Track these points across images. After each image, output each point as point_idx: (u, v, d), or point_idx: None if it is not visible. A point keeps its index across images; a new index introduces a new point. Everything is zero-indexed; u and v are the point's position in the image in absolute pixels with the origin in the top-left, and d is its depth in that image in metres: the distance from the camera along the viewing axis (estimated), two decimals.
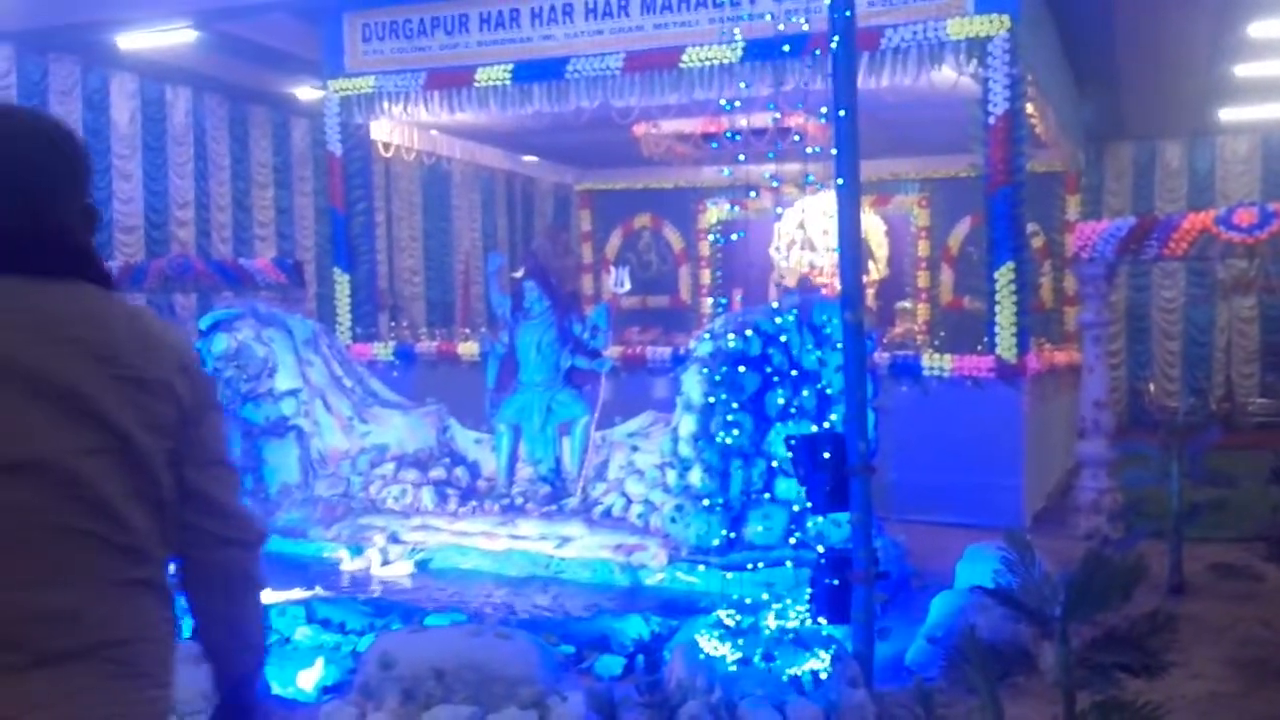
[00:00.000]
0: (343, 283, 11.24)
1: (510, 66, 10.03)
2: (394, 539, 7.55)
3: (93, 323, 1.57)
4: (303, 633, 5.78)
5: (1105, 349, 8.86)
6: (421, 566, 7.38)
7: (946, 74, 8.81)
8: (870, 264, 14.13)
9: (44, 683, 1.40)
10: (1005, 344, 8.71)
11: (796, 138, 8.61)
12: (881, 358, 8.92)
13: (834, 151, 5.04)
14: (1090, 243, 8.23)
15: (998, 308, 8.74)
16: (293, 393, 8.57)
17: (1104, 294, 8.54)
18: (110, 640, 1.49)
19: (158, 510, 1.59)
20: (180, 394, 1.63)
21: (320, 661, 5.31)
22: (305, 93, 13.00)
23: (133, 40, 10.95)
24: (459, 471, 8.38)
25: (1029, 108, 9.08)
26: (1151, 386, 15.07)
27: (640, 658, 5.35)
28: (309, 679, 5.17)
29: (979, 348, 8.98)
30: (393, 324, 12.52)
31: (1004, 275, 8.69)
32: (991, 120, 8.67)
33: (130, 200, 12.15)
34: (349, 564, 7.36)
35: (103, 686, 1.46)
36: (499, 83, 10.08)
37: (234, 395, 8.51)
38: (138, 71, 12.12)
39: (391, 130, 11.30)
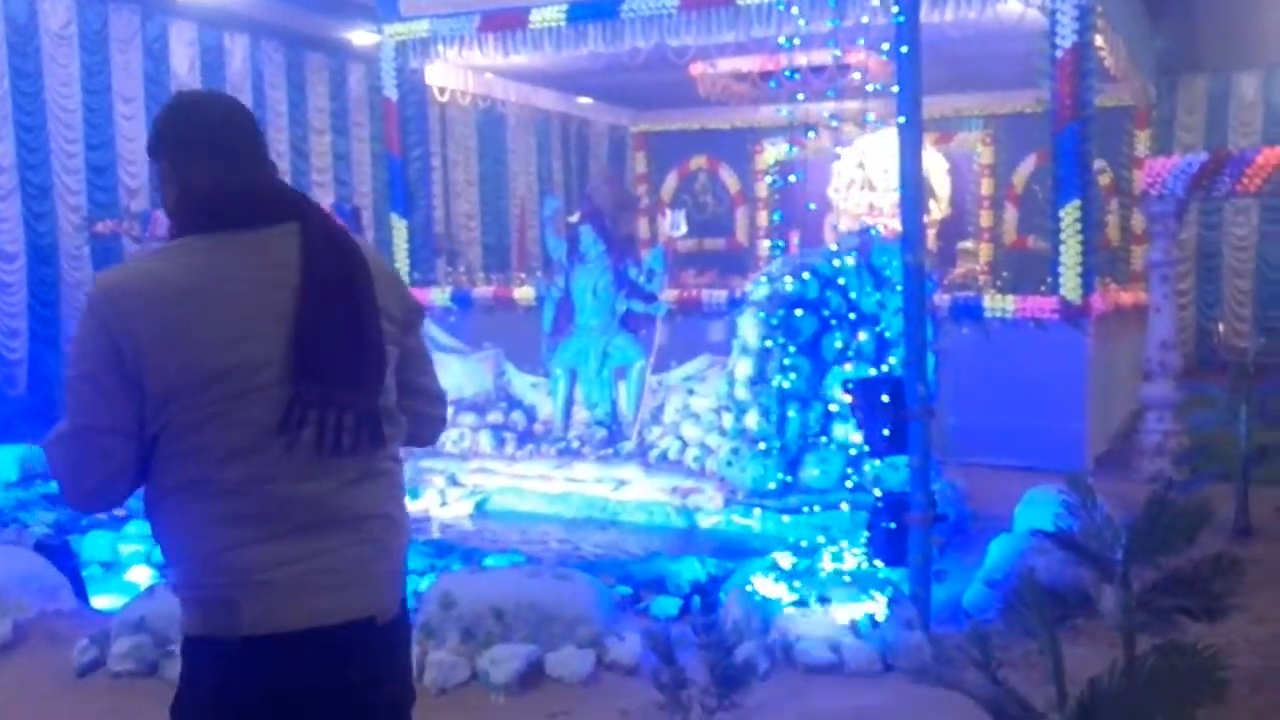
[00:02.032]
0: (400, 228, 11.31)
1: (565, 7, 9.92)
2: (452, 481, 7.66)
3: (317, 258, 1.95)
4: None
5: (1173, 288, 8.64)
6: (479, 508, 7.48)
7: (1012, 6, 8.56)
8: (931, 203, 13.89)
9: (294, 544, 1.90)
10: (1070, 284, 8.54)
11: (857, 75, 8.46)
12: (942, 299, 8.80)
13: (895, 88, 4.94)
14: (1160, 179, 8.01)
15: (1063, 247, 8.55)
16: None
17: (1173, 232, 8.32)
18: (348, 516, 1.95)
19: (385, 415, 2.01)
20: (394, 313, 2.05)
21: None
22: (361, 38, 12.98)
23: None
24: (516, 415, 8.46)
25: (1098, 40, 8.80)
26: (1220, 327, 14.69)
27: (696, 599, 5.39)
28: None
29: (1042, 288, 8.81)
30: (449, 269, 12.58)
31: (1069, 214, 8.49)
32: (1059, 54, 8.41)
33: None
34: (410, 506, 7.49)
35: (339, 547, 1.94)
36: (553, 24, 9.98)
37: None
38: (195, 20, 12.17)
39: (447, 74, 11.27)
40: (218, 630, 1.90)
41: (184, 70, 12.17)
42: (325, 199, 13.27)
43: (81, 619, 5.22)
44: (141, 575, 5.98)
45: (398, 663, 2.09)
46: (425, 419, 2.20)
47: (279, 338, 1.87)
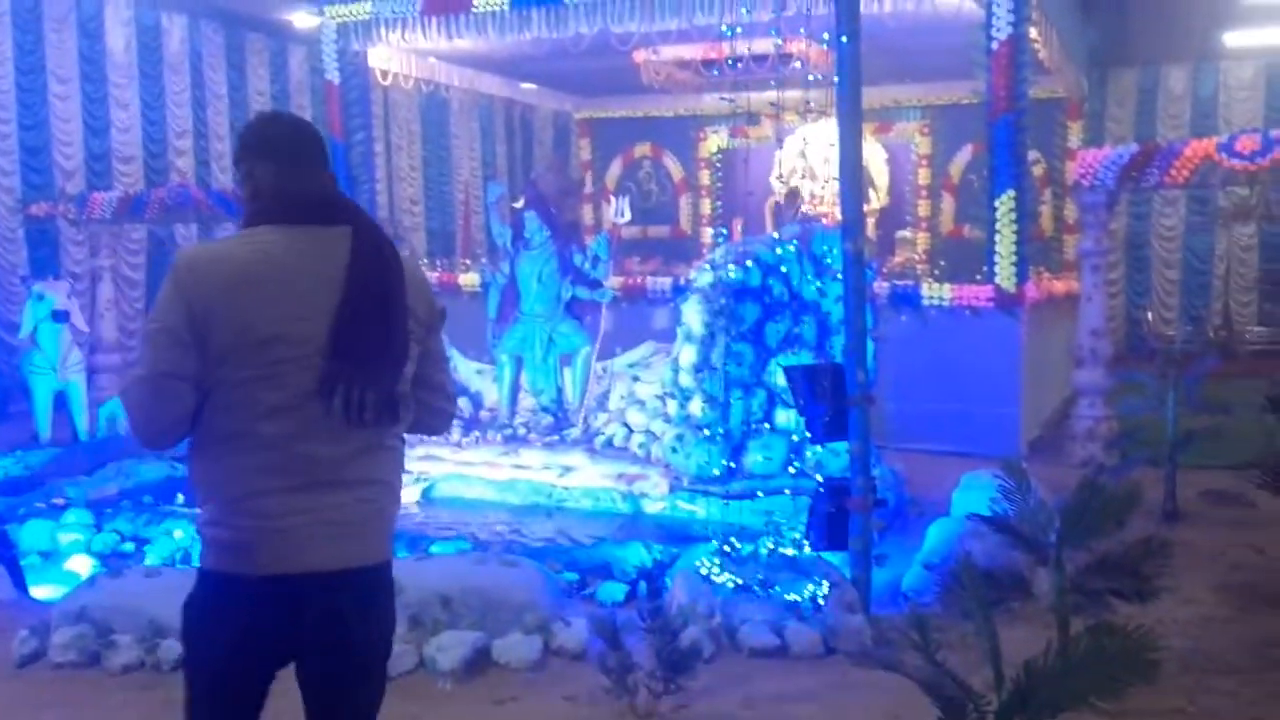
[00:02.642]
0: None
1: None
2: None
3: (362, 258, 2.33)
4: None
5: (1104, 278, 8.86)
6: (426, 495, 7.48)
7: None
8: (871, 192, 14.04)
9: (306, 498, 2.26)
10: (1004, 273, 8.70)
11: (798, 64, 8.53)
12: (881, 287, 8.92)
13: (836, 78, 5.01)
14: (1091, 170, 8.20)
15: (998, 236, 8.71)
16: None
17: (1104, 222, 8.52)
18: (356, 479, 2.31)
19: (401, 399, 2.36)
20: (420, 315, 2.40)
21: None
22: (302, 19, 12.79)
23: None
24: (462, 402, 8.43)
25: (1033, 32, 8.96)
26: (1149, 315, 15.07)
27: (642, 584, 5.44)
28: None
29: (978, 277, 8.98)
30: None
31: (1004, 204, 8.65)
32: (994, 45, 8.56)
33: (128, 130, 12.05)
34: None
35: (344, 504, 2.30)
36: (497, 8, 9.94)
37: None
38: None
39: (389, 58, 11.17)
40: (233, 568, 2.28)
41: (120, 49, 11.92)
42: None
43: (20, 609, 5.16)
44: (81, 565, 5.90)
45: (380, 601, 2.42)
46: (437, 411, 2.54)
47: (322, 321, 2.24)
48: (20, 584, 5.46)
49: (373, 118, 11.71)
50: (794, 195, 11.87)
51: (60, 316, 8.61)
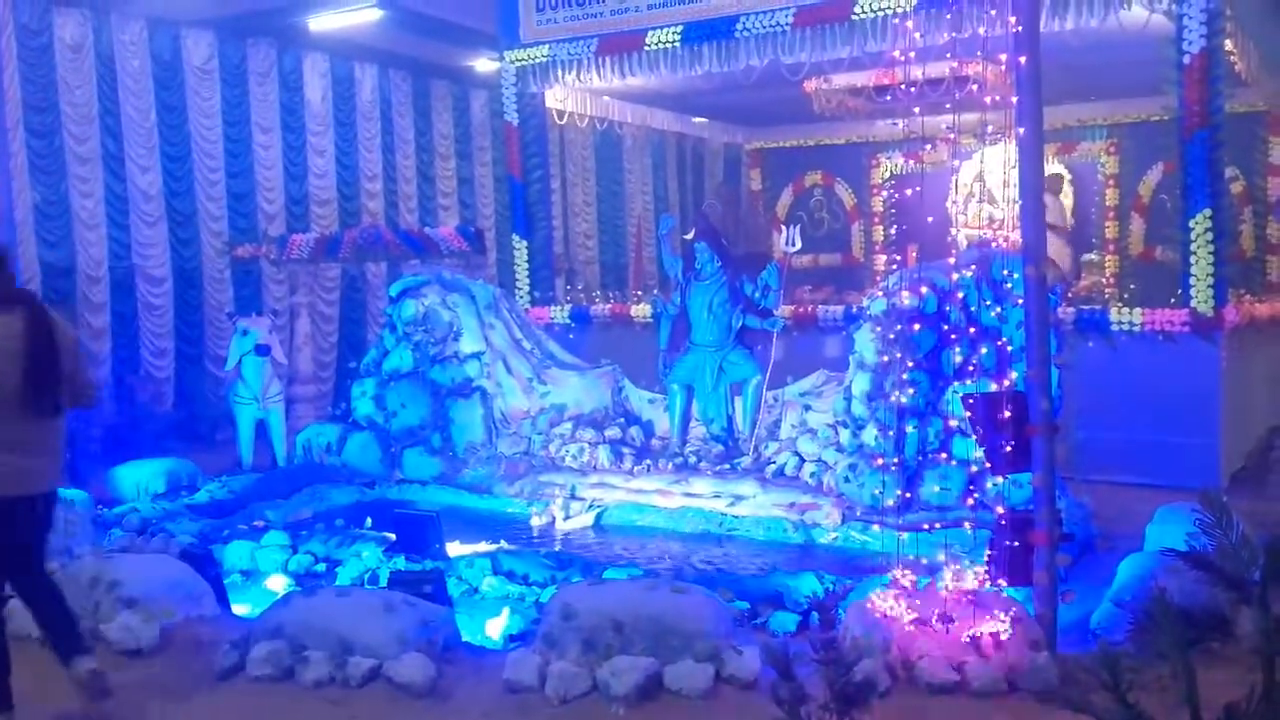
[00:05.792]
0: (521, 249, 11.59)
1: (680, 28, 10.04)
2: (573, 495, 7.79)
3: (32, 326, 4.40)
4: (489, 583, 6.05)
5: None
6: (598, 522, 7.59)
7: (1137, 13, 8.34)
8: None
9: (19, 456, 4.36)
10: (1201, 296, 8.27)
11: (974, 86, 8.33)
12: (1066, 312, 8.62)
13: (1014, 99, 4.90)
14: None
15: (1193, 258, 8.30)
16: (476, 355, 8.91)
17: None
18: (41, 448, 4.44)
19: (68, 398, 4.53)
20: (68, 349, 4.48)
21: (506, 611, 5.55)
22: (483, 65, 13.33)
23: (323, 22, 11.47)
24: (633, 431, 8.56)
25: (1227, 44, 8.52)
26: None
27: (814, 615, 5.37)
28: (495, 627, 5.42)
29: (1172, 300, 8.56)
30: (568, 287, 12.80)
31: (1199, 224, 8.24)
32: (1186, 59, 8.19)
33: (324, 175, 12.77)
34: (537, 519, 7.65)
35: (36, 461, 4.43)
36: (669, 45, 10.11)
37: (422, 358, 8.89)
38: (328, 51, 12.67)
39: (565, 98, 11.50)
40: None
41: (317, 100, 12.66)
42: (450, 221, 13.64)
43: (223, 624, 5.46)
44: (278, 583, 6.23)
45: (48, 507, 4.55)
46: (86, 396, 4.66)
47: (18, 363, 4.30)
48: (223, 600, 5.80)
49: (549, 156, 12.06)
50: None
51: (262, 350, 9.15)
